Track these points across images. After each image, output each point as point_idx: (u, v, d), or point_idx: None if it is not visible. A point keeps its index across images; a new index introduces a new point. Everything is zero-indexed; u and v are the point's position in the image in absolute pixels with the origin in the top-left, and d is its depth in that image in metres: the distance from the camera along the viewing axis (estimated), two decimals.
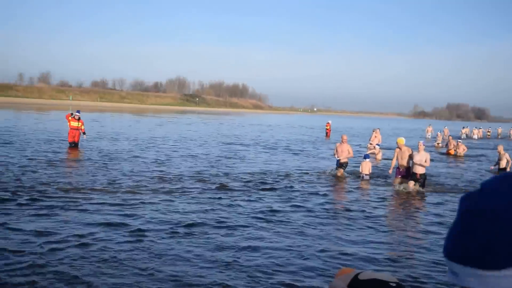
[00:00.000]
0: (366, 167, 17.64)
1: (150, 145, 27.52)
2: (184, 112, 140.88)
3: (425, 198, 14.73)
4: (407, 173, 16.16)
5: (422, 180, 15.80)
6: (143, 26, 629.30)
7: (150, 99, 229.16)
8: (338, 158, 18.16)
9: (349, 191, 15.12)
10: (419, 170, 15.81)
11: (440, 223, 11.17)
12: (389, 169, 17.14)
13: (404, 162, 16.29)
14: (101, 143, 26.72)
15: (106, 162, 18.84)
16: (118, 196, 12.40)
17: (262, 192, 14.04)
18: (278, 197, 13.38)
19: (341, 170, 18.07)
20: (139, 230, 9.27)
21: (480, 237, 1.08)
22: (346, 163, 18.25)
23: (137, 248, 8.12)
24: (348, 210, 12.22)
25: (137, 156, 21.59)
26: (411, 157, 16.08)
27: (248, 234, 9.40)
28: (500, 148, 22.15)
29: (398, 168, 16.56)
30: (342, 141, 18.49)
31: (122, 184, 14.18)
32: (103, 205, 11.31)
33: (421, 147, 16.10)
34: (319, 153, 27.86)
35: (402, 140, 17.11)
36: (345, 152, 18.05)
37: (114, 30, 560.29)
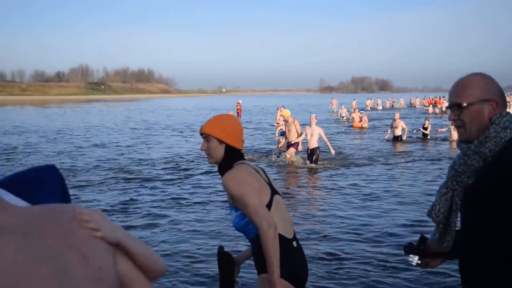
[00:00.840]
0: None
1: (57, 137, 26.41)
2: (89, 101, 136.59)
3: (317, 172, 14.65)
4: (295, 146, 16.05)
5: (315, 155, 15.58)
6: (40, 14, 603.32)
7: (53, 90, 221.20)
8: None
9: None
10: (311, 145, 15.70)
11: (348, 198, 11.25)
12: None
13: (290, 135, 16.10)
14: (2, 138, 25.26)
15: (10, 158, 17.76)
16: None
17: (176, 179, 13.63)
18: (195, 183, 13.05)
19: None
20: None
21: None
22: None
23: None
24: None
25: (44, 148, 20.55)
26: (296, 130, 15.94)
27: (169, 226, 9.02)
28: (397, 115, 22.67)
29: (288, 142, 16.30)
30: None
31: None
32: None
33: (313, 120, 16.01)
34: None
35: (287, 112, 16.96)
36: None
37: (8, 20, 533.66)
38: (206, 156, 3.20)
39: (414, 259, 2.42)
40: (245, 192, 2.93)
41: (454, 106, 2.21)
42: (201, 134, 3.18)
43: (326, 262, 6.75)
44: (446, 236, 2.33)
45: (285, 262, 2.95)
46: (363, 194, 11.20)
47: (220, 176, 3.18)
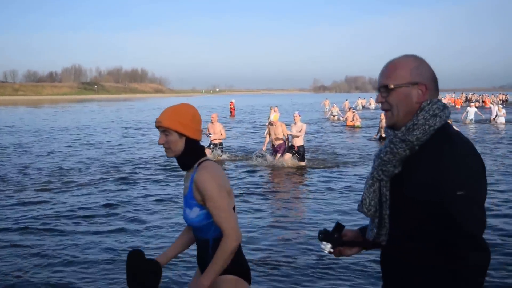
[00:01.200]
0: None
1: (48, 136, 26.24)
2: (82, 100, 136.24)
3: (307, 171, 14.46)
4: (283, 148, 15.70)
5: (301, 152, 15.41)
6: (32, 13, 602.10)
7: (46, 90, 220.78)
8: (210, 139, 16.93)
9: (251, 171, 14.84)
10: (296, 142, 15.43)
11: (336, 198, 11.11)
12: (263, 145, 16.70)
13: (274, 138, 15.73)
14: None
15: None
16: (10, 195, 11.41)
17: (166, 180, 13.45)
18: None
19: (208, 150, 16.07)
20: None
21: None
22: (220, 144, 16.97)
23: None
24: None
25: (35, 148, 20.32)
26: (282, 131, 15.60)
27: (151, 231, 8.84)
28: (382, 116, 22.34)
29: (273, 145, 15.96)
30: (212, 121, 16.99)
31: (21, 181, 13.10)
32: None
33: (297, 118, 15.65)
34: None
35: (276, 116, 16.53)
36: (217, 134, 16.67)
37: (2, 19, 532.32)
38: (164, 149, 3.03)
39: (327, 247, 2.28)
40: (222, 196, 2.84)
41: (382, 88, 2.09)
42: (158, 127, 2.97)
43: (314, 263, 6.61)
44: (381, 230, 2.16)
45: (240, 260, 3.00)
46: (355, 193, 11.07)
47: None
